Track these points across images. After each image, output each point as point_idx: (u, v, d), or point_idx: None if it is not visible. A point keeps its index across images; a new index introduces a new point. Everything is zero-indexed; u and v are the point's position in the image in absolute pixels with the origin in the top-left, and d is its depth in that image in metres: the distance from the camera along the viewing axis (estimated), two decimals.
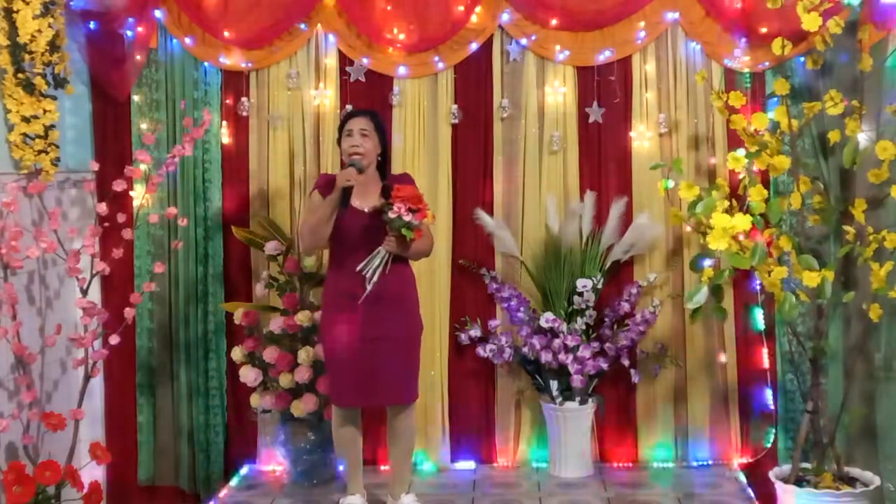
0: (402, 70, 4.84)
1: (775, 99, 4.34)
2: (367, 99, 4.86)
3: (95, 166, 4.56)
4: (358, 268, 3.93)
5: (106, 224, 4.33)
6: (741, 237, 3.83)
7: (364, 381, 4.02)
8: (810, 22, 3.96)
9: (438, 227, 4.75)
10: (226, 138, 4.93)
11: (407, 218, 3.83)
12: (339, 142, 4.12)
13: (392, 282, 3.98)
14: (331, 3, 4.78)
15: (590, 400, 4.78)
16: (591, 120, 4.87)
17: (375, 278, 3.92)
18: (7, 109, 4.20)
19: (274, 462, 4.96)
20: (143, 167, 4.54)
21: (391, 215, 3.84)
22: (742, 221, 3.79)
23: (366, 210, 4.01)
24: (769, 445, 4.86)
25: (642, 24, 4.76)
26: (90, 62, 4.79)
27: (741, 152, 4.26)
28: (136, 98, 4.89)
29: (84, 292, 4.26)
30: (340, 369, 4.06)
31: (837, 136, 4.29)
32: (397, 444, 4.23)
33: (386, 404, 4.18)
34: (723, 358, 4.84)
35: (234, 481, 4.84)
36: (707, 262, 4.00)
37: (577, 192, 4.90)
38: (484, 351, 4.82)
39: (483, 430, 5.01)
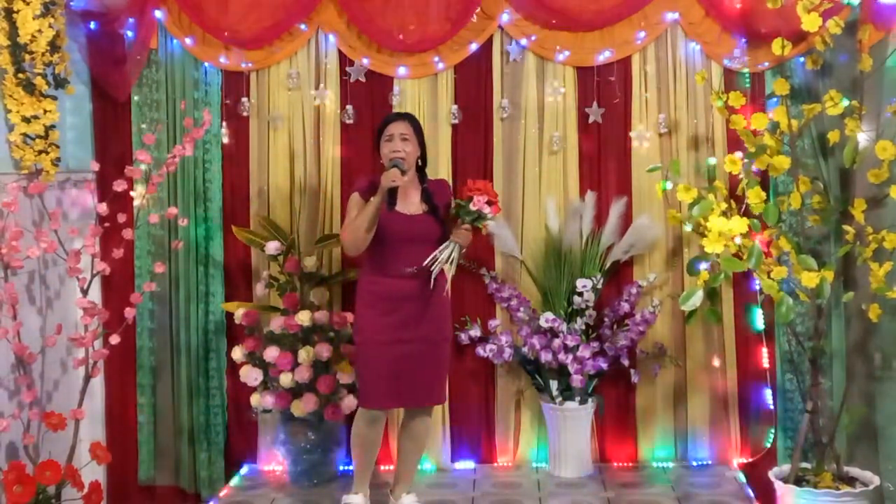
0: (402, 70, 4.84)
1: (775, 99, 4.34)
2: (367, 99, 4.87)
3: (95, 166, 4.57)
4: (424, 263, 3.93)
5: (106, 224, 4.33)
6: (738, 240, 3.83)
7: (399, 382, 4.02)
8: (810, 22, 3.97)
9: None
10: (226, 138, 4.93)
11: (486, 210, 3.94)
12: (376, 147, 4.10)
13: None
14: (331, 4, 4.78)
15: (590, 400, 4.78)
16: (591, 120, 4.87)
17: (453, 271, 3.98)
18: (7, 109, 4.20)
19: (274, 462, 4.96)
20: (143, 167, 4.54)
21: (472, 207, 3.92)
22: (739, 225, 3.79)
23: (407, 214, 4.01)
24: (769, 445, 4.86)
25: (642, 24, 4.76)
26: (90, 62, 4.80)
27: (738, 155, 4.27)
28: (136, 98, 4.89)
29: (84, 292, 4.26)
30: (375, 371, 4.04)
31: (837, 137, 4.30)
32: (411, 445, 4.24)
33: (417, 405, 4.18)
34: (717, 362, 4.84)
35: (234, 481, 4.84)
36: (703, 265, 4.00)
37: (577, 192, 4.90)
38: (484, 351, 4.82)
39: (483, 430, 5.01)
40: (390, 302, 4.00)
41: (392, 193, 3.91)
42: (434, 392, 4.16)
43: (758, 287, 4.65)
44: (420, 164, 4.14)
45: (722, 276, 3.84)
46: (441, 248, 3.96)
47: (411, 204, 4.05)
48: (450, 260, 3.95)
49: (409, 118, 4.15)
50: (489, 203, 3.96)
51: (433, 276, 3.95)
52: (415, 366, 4.02)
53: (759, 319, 4.85)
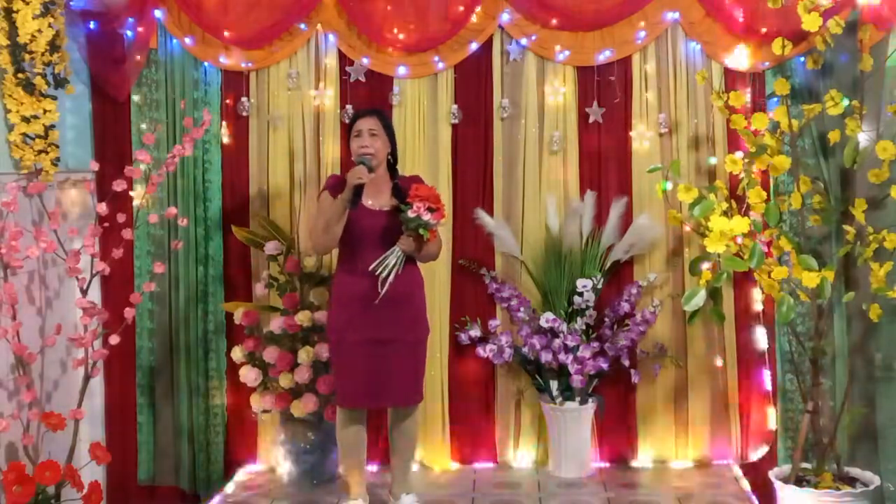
0: (402, 70, 4.84)
1: (775, 99, 4.34)
2: (367, 99, 4.86)
3: (95, 166, 4.56)
4: (370, 267, 3.92)
5: (106, 224, 4.33)
6: (739, 239, 3.83)
7: (372, 382, 4.02)
8: (810, 22, 3.97)
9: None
10: (226, 138, 4.93)
11: (426, 217, 3.84)
12: (347, 144, 4.10)
13: (402, 283, 3.98)
14: (331, 3, 4.78)
15: (590, 400, 4.78)
16: (591, 120, 4.87)
17: (391, 278, 3.91)
18: (7, 109, 4.20)
19: (274, 462, 4.96)
20: (142, 167, 4.54)
21: (411, 214, 3.84)
22: (740, 224, 3.79)
23: (377, 209, 4.00)
24: (769, 445, 4.86)
25: (642, 24, 4.76)
26: (90, 62, 4.79)
27: (739, 154, 4.27)
28: (135, 98, 4.89)
29: (84, 292, 4.26)
30: (348, 370, 4.05)
31: (837, 136, 4.30)
32: (401, 445, 4.24)
33: (393, 406, 4.18)
34: (719, 362, 4.84)
35: (234, 481, 4.84)
36: (705, 265, 4.00)
37: (577, 192, 4.90)
38: (484, 351, 4.82)
39: (483, 430, 5.01)
40: (362, 300, 3.98)
41: (357, 191, 3.90)
42: (410, 392, 4.14)
43: (759, 287, 4.65)
44: (391, 160, 4.12)
45: (724, 276, 3.84)
46: (386, 254, 3.94)
47: (381, 200, 4.04)
48: (394, 267, 3.92)
49: (377, 114, 4.14)
50: (430, 210, 3.85)
51: (380, 281, 3.91)
52: (390, 366, 4.01)
53: (759, 319, 4.85)
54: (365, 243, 3.98)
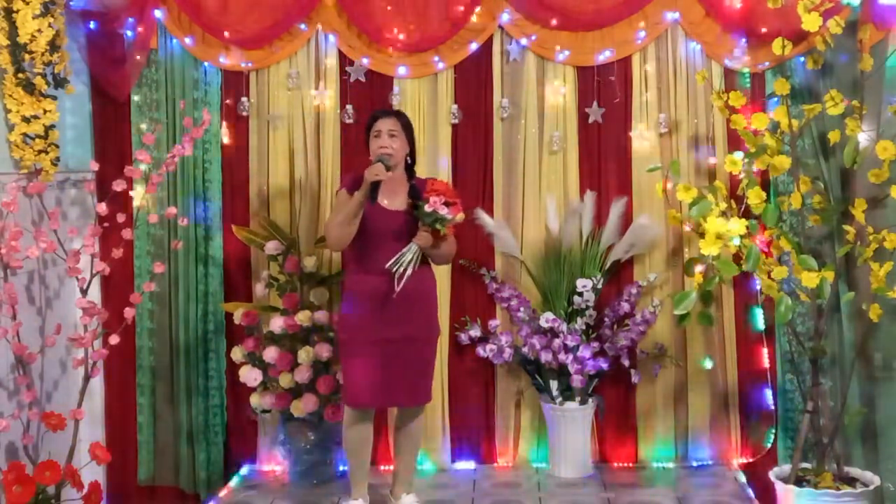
0: (402, 70, 4.84)
1: (775, 99, 4.34)
2: (367, 99, 4.87)
3: (95, 166, 4.56)
4: (387, 265, 3.91)
5: (106, 224, 4.33)
6: (737, 240, 3.83)
7: (384, 381, 4.01)
8: (810, 22, 3.97)
9: None
10: (226, 138, 4.93)
11: (443, 212, 3.87)
12: (366, 143, 4.10)
13: (416, 282, 3.97)
14: (331, 3, 4.78)
15: (590, 400, 4.78)
16: (591, 120, 4.87)
17: (409, 273, 3.92)
18: (7, 109, 4.20)
19: (274, 462, 4.96)
20: (143, 167, 4.54)
21: (427, 209, 3.86)
22: (737, 226, 3.78)
23: (393, 209, 4.00)
24: (769, 445, 4.86)
25: (642, 24, 4.76)
26: (90, 62, 4.80)
27: (739, 154, 4.27)
28: (136, 98, 4.89)
29: (84, 292, 4.26)
30: (360, 369, 4.04)
31: (837, 136, 4.30)
32: (406, 445, 4.24)
33: (403, 405, 4.18)
34: (708, 364, 4.84)
35: (234, 481, 4.84)
36: (699, 268, 4.00)
37: (577, 192, 4.90)
38: (484, 351, 4.82)
39: (483, 430, 5.01)
40: (375, 300, 3.98)
41: (374, 188, 3.90)
42: (420, 391, 4.14)
43: (758, 287, 4.65)
44: (409, 161, 4.13)
45: (716, 280, 3.84)
46: (403, 250, 3.94)
47: (397, 200, 4.04)
48: (410, 263, 3.93)
49: (397, 115, 4.15)
50: (447, 204, 3.89)
51: (396, 277, 3.91)
52: (400, 365, 4.01)
53: (759, 319, 4.85)
54: (379, 243, 3.98)
